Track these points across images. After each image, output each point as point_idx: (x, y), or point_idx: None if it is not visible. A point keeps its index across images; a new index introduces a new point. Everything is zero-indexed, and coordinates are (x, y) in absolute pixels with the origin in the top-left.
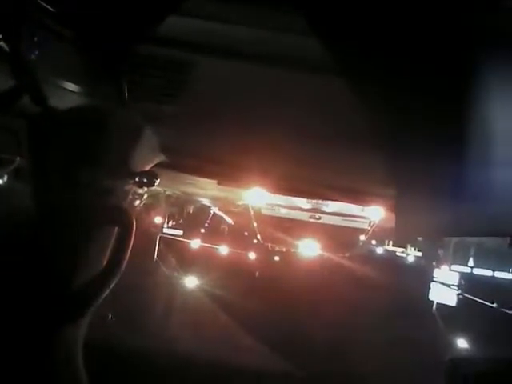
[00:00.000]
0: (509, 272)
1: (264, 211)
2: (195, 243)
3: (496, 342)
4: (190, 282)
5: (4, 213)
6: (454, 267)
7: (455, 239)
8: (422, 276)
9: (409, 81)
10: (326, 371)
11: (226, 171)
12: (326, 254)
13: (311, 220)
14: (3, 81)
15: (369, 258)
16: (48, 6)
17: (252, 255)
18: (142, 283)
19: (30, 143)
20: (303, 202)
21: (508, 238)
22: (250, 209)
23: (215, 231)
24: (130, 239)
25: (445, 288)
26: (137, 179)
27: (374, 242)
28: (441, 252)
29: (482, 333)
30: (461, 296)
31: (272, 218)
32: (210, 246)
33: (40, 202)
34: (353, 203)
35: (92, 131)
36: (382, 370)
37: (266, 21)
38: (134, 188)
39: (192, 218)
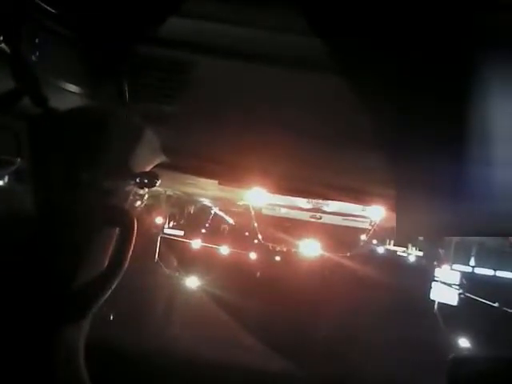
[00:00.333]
0: (510, 271)
1: (265, 211)
2: (196, 243)
3: (498, 341)
4: (191, 282)
5: (5, 214)
6: (455, 266)
7: (456, 238)
8: (423, 275)
9: (409, 80)
10: (325, 371)
11: (226, 171)
12: (327, 254)
13: (312, 220)
14: (4, 82)
15: (370, 257)
16: (48, 8)
17: (253, 255)
18: (143, 283)
19: (31, 144)
20: (304, 202)
21: (510, 238)
22: (251, 209)
23: (216, 231)
24: (132, 240)
25: (446, 287)
26: (138, 180)
27: (374, 241)
28: (442, 251)
29: (483, 332)
30: (462, 295)
31: (273, 217)
32: (210, 246)
33: (41, 203)
34: (353, 203)
35: (93, 132)
36: (381, 370)
37: (265, 21)
38: (135, 189)
39: (193, 219)
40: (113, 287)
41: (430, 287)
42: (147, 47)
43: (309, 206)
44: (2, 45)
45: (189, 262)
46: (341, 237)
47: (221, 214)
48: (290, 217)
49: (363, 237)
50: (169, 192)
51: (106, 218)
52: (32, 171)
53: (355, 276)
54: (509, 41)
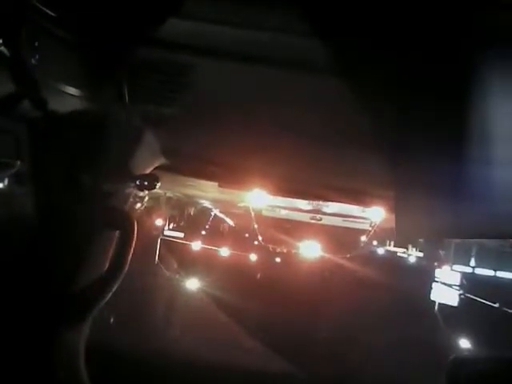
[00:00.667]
0: (511, 272)
1: (265, 213)
2: (196, 245)
3: (498, 341)
4: (192, 284)
5: (5, 217)
6: (455, 267)
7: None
8: (423, 276)
9: (409, 80)
10: (325, 371)
11: (226, 173)
12: (327, 255)
13: (312, 221)
14: (4, 85)
15: (370, 258)
16: (48, 10)
17: (253, 257)
18: (143, 285)
19: (31, 147)
20: (304, 204)
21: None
22: (251, 210)
23: (216, 233)
24: (132, 242)
25: (446, 288)
26: (137, 182)
27: (375, 242)
28: (442, 252)
29: (484, 333)
30: (462, 296)
31: (273, 219)
32: (211, 247)
33: (41, 205)
34: (353, 204)
35: (92, 135)
36: (381, 371)
37: (265, 22)
38: (135, 191)
39: (193, 221)
40: (113, 290)
41: (431, 288)
42: (147, 49)
43: (309, 208)
44: (2, 48)
45: (189, 263)
46: (341, 238)
47: (221, 215)
48: (290, 218)
49: (363, 238)
50: (169, 194)
51: (106, 220)
52: (32, 174)
53: (355, 277)
54: (509, 41)
